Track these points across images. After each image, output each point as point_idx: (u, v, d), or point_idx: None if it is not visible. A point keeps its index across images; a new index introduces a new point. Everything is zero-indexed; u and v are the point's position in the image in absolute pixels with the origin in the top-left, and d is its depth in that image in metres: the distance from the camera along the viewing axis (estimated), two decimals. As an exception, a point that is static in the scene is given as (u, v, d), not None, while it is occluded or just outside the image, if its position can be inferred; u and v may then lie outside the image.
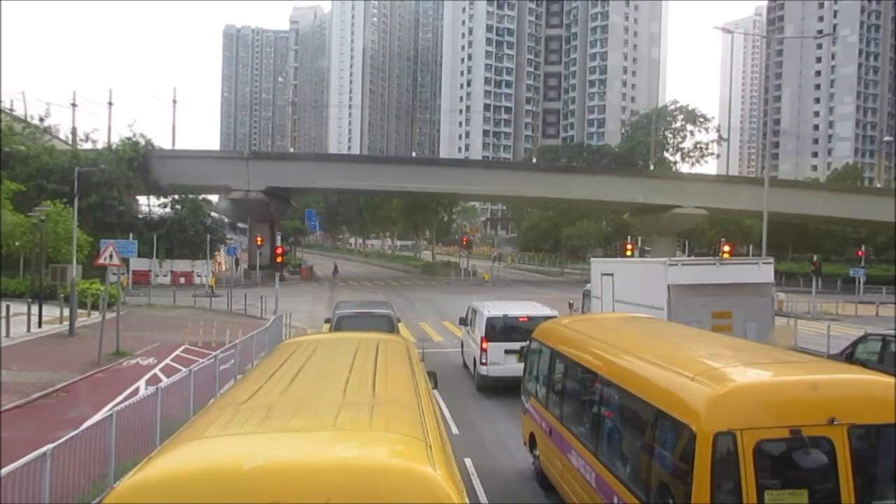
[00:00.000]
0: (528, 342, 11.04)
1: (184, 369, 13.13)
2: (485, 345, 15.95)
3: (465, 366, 19.22)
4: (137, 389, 15.03)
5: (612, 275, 20.11)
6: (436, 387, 8.31)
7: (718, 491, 5.06)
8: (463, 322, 19.50)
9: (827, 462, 5.08)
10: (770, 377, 5.89)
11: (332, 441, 3.85)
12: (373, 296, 39.89)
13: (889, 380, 5.79)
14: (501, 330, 16.00)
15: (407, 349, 7.54)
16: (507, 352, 15.26)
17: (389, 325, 16.60)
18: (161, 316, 30.27)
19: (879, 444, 5.41)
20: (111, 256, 18.11)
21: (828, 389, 5.47)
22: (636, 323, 10.40)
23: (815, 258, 36.14)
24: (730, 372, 5.81)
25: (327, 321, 19.19)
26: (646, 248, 63.05)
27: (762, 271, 16.66)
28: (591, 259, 23.68)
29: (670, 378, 5.99)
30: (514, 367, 12.08)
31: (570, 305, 26.91)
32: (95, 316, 25.03)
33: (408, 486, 3.32)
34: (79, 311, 25.39)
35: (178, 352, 20.44)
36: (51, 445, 7.04)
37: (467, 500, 3.60)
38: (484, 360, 16.00)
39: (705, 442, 5.08)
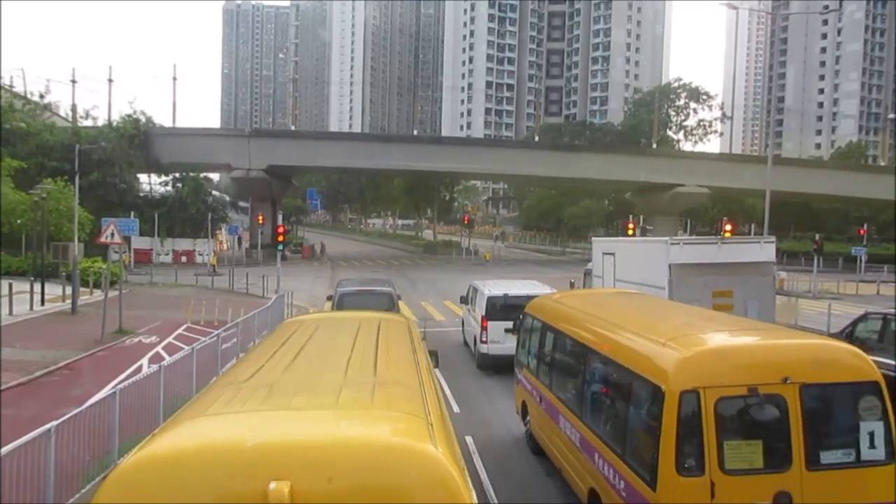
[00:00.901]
0: (521, 317, 11.61)
1: (186, 348, 13.21)
2: (485, 323, 16.25)
3: (466, 343, 19.43)
4: (140, 367, 15.16)
5: (613, 254, 20.11)
6: (437, 366, 8.41)
7: (683, 442, 5.68)
8: (464, 301, 19.75)
9: (780, 416, 5.74)
10: (731, 342, 6.66)
11: (334, 419, 3.88)
12: (374, 275, 39.95)
13: (838, 343, 6.69)
14: (502, 309, 16.16)
15: (408, 328, 7.60)
16: (507, 330, 15.34)
17: (390, 303, 16.98)
18: (163, 294, 30.39)
19: (828, 401, 6.10)
20: (112, 235, 18.14)
21: (782, 352, 6.24)
22: (620, 297, 11.41)
23: (816, 237, 36.07)
24: (696, 338, 6.56)
25: (329, 298, 19.43)
26: (647, 227, 62.95)
27: (764, 250, 16.65)
28: (593, 238, 23.71)
29: (645, 345, 6.73)
30: (513, 346, 12.32)
31: (572, 284, 27.07)
32: (98, 294, 25.12)
33: (409, 464, 3.35)
34: (81, 289, 25.46)
35: (180, 330, 20.56)
36: (55, 422, 7.13)
37: (468, 478, 3.65)
38: (484, 339, 16.29)
39: (672, 399, 5.73)
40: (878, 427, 5.97)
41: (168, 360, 11.71)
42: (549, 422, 9.33)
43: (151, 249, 48.55)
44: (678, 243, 16.61)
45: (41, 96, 51.89)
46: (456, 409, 12.76)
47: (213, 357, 13.77)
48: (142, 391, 9.98)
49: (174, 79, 61.13)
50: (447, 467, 3.38)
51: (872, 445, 5.96)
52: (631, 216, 57.04)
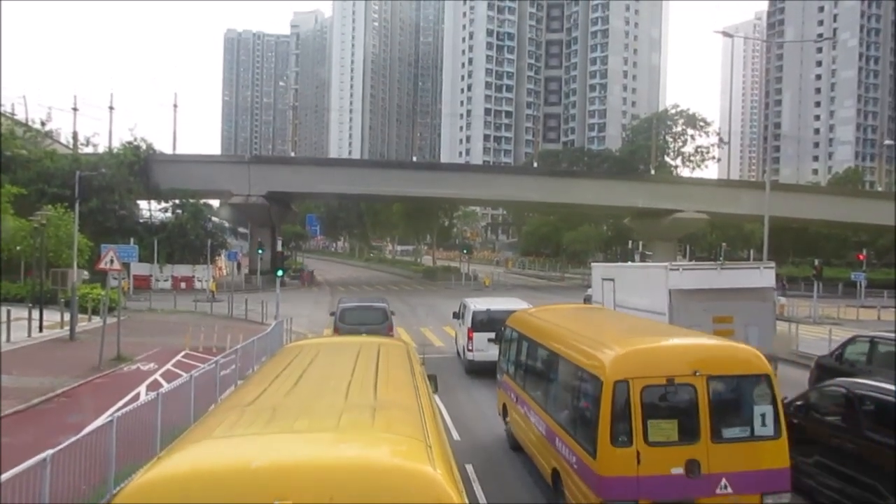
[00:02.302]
0: (502, 329, 13.16)
1: (184, 375, 13.12)
2: (471, 335, 18.73)
3: (458, 354, 21.41)
4: (138, 395, 15.04)
5: (612, 280, 20.07)
6: (436, 391, 8.65)
7: (616, 421, 7.19)
8: (456, 316, 21.95)
9: (691, 401, 7.27)
10: (655, 344, 8.27)
11: (335, 442, 3.99)
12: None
13: (739, 345, 8.16)
14: (485, 322, 18.29)
15: (408, 353, 7.83)
16: (490, 340, 17.08)
17: (384, 316, 19.75)
18: (162, 321, 30.28)
19: (729, 389, 7.70)
20: (112, 261, 18.11)
21: (694, 351, 7.83)
22: (582, 311, 13.77)
23: (816, 262, 36.04)
24: (629, 341, 8.27)
25: (332, 314, 21.77)
26: (647, 252, 62.99)
27: (763, 276, 16.58)
28: (592, 264, 23.73)
29: (591, 347, 8.35)
30: (495, 353, 14.01)
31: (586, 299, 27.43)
32: (97, 321, 24.99)
33: (409, 486, 3.43)
34: (80, 315, 25.38)
35: (178, 357, 20.44)
36: (51, 451, 7.04)
37: (466, 500, 3.68)
38: (471, 348, 18.74)
39: (608, 387, 7.24)
40: (769, 410, 7.48)
41: (166, 387, 11.64)
42: (524, 418, 10.70)
43: (151, 276, 48.51)
44: (678, 269, 16.55)
45: (42, 123, 52.42)
46: (456, 436, 12.67)
47: (211, 384, 13.68)
48: (139, 419, 9.87)
49: (175, 106, 61.61)
50: (446, 489, 3.47)
51: (764, 424, 7.45)
52: (630, 242, 57.22)
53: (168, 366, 18.93)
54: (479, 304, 19.83)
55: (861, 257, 46.52)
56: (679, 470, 7.16)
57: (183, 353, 21.04)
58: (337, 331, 19.47)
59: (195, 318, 31.21)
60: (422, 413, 4.76)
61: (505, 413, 12.40)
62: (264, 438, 4.01)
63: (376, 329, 18.03)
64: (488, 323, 17.95)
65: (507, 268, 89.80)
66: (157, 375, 17.52)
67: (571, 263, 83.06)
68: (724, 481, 7.24)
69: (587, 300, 23.65)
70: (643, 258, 59.38)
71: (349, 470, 3.55)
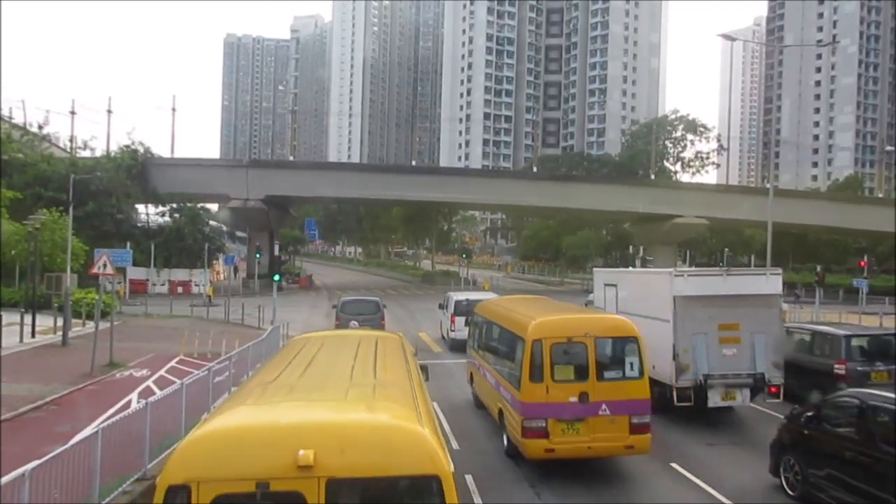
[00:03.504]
0: (472, 314, 16.85)
1: (177, 382, 12.81)
2: (454, 319, 24.42)
3: (442, 337, 27.08)
4: (130, 402, 14.70)
5: (615, 285, 19.67)
6: (427, 379, 9.32)
7: (533, 366, 10.49)
8: (441, 307, 27.70)
9: (583, 353, 10.52)
10: (561, 316, 11.69)
11: (344, 407, 5.02)
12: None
13: (619, 317, 12.21)
14: (464, 309, 22.76)
15: (402, 344, 9.14)
16: (466, 323, 20.78)
17: (377, 307, 24.38)
18: (157, 326, 29.92)
19: (609, 346, 10.89)
20: (105, 265, 17.77)
21: (586, 321, 11.16)
22: (528, 299, 16.99)
23: (818, 269, 35.71)
24: (545, 315, 11.48)
25: (334, 306, 26.65)
26: (648, 257, 62.59)
27: (770, 282, 16.16)
28: (594, 269, 23.36)
29: (523, 319, 11.51)
30: None
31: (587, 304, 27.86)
32: (91, 326, 24.59)
33: (402, 439, 4.44)
34: (74, 320, 25.01)
35: (172, 363, 20.09)
36: (31, 465, 6.71)
37: (447, 451, 4.61)
38: (453, 329, 24.40)
39: (528, 345, 10.58)
40: (636, 360, 10.68)
41: (157, 395, 11.30)
42: (482, 379, 14.28)
43: (147, 280, 48.15)
44: (682, 275, 16.13)
45: (40, 127, 52.05)
46: (455, 445, 12.39)
47: (204, 392, 13.37)
48: (127, 429, 9.54)
49: (173, 110, 61.23)
50: (431, 443, 4.45)
51: (632, 370, 10.66)
52: (630, 247, 56.82)
53: (161, 372, 18.57)
54: (459, 295, 25.45)
55: (862, 263, 46.20)
56: (574, 399, 10.36)
57: (177, 359, 20.70)
58: (338, 319, 23.87)
59: (191, 323, 30.90)
60: (413, 388, 5.78)
61: (471, 380, 16.00)
62: (287, 405, 5.05)
63: (370, 318, 22.84)
64: (466, 310, 21.91)
65: (506, 272, 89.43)
66: (149, 382, 17.17)
67: (571, 268, 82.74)
68: (604, 406, 10.39)
69: (588, 305, 23.29)
70: (644, 263, 59.00)
71: (356, 427, 4.54)
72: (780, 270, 17.02)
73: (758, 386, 14.19)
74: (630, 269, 36.22)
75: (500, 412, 12.15)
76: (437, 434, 4.75)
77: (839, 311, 37.78)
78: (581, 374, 10.46)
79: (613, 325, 11.19)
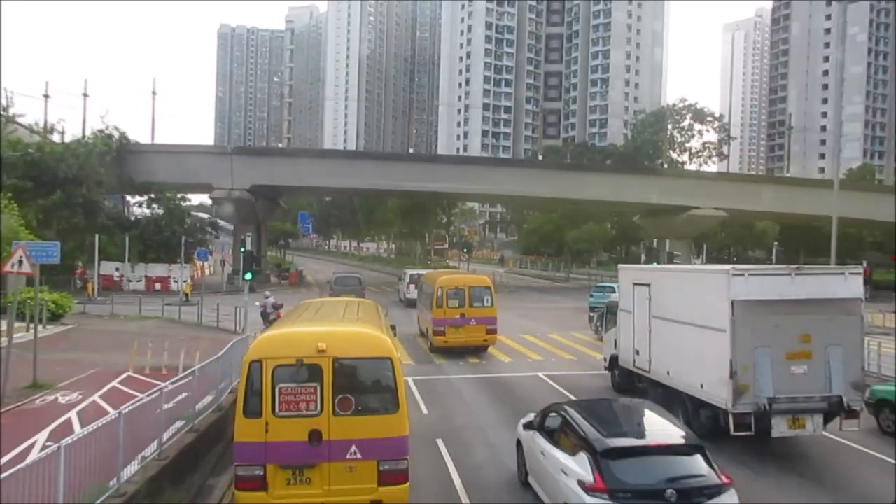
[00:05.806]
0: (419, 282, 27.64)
1: (112, 412, 9.10)
2: (409, 286, 37.71)
3: (400, 300, 40.05)
4: (33, 445, 10.89)
5: (648, 285, 15.94)
6: (395, 336, 11.68)
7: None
8: (399, 278, 42.91)
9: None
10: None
11: (341, 325, 10.26)
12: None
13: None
14: (415, 280, 34.10)
15: (377, 308, 13.02)
16: (415, 288, 32.64)
17: (359, 282, 37.01)
18: (117, 330, 25.90)
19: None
20: (20, 262, 13.88)
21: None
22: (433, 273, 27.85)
23: (864, 264, 31.80)
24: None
25: (328, 282, 39.65)
26: (675, 252, 58.19)
27: (849, 283, 12.57)
28: (620, 266, 19.47)
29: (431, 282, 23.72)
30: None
31: (591, 319, 28.50)
32: (42, 331, 20.55)
33: (372, 339, 9.04)
34: (17, 324, 21.07)
35: (115, 382, 16.17)
36: None
37: (399, 349, 11.39)
38: (409, 293, 36.82)
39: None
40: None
41: (73, 435, 7.59)
42: (422, 316, 25.12)
43: (122, 276, 44.30)
44: (743, 274, 12.45)
45: (5, 109, 47.78)
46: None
47: (150, 422, 9.74)
48: (28, 486, 6.52)
49: (153, 93, 56.95)
50: (388, 342, 9.06)
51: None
52: (641, 241, 53.02)
53: (96, 396, 14.59)
54: (412, 271, 40.67)
55: (897, 258, 42.59)
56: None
57: (124, 376, 16.78)
58: (332, 290, 34.49)
59: (158, 326, 27.15)
60: (379, 323, 10.55)
61: (419, 322, 26.24)
62: (309, 324, 10.13)
63: (355, 289, 33.87)
64: (416, 280, 32.32)
65: (508, 267, 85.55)
66: (73, 412, 13.13)
67: (576, 263, 78.98)
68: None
69: (608, 310, 19.55)
70: (671, 259, 54.88)
71: (347, 333, 9.48)
72: (861, 269, 13.42)
73: (833, 411, 11.96)
74: (668, 266, 32.44)
75: (426, 331, 19.88)
76: (393, 340, 9.61)
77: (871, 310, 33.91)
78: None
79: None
